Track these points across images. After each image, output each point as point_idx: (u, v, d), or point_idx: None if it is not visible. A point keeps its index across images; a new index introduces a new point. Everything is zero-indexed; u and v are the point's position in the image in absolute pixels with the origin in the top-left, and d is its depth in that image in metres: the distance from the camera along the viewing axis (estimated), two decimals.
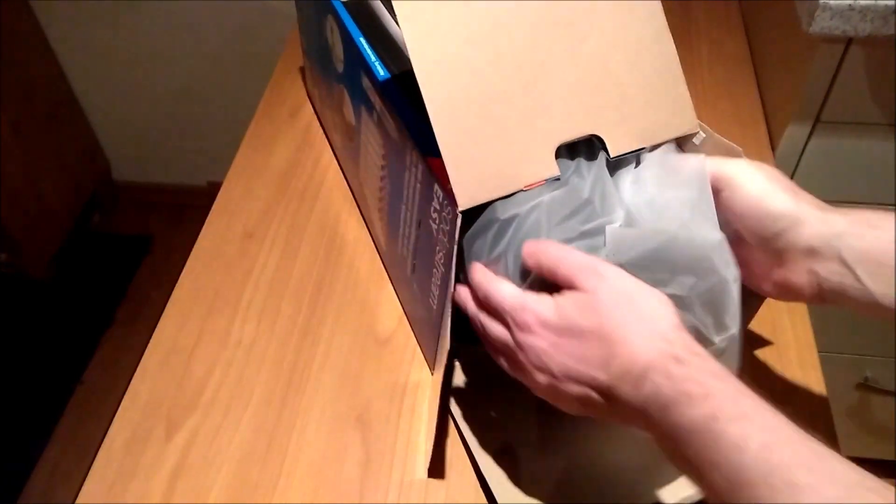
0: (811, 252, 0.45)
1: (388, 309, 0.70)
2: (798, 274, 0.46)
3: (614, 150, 0.52)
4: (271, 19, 1.50)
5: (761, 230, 0.47)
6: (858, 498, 0.29)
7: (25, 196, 1.67)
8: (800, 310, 0.68)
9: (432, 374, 0.64)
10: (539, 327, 0.44)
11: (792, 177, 0.79)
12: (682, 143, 0.56)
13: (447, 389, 0.62)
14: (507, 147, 0.50)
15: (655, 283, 0.44)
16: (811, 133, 0.85)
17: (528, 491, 0.55)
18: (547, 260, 0.45)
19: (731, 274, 0.46)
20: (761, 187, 0.47)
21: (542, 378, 0.44)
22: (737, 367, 0.46)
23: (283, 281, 0.73)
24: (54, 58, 1.70)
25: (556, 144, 0.51)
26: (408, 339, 0.67)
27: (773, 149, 0.86)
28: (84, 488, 0.59)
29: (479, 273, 0.49)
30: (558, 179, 0.50)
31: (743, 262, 0.47)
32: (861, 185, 0.90)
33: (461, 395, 0.62)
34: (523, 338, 0.45)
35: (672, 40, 0.55)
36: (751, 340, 0.65)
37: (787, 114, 0.84)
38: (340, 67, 0.70)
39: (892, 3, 0.71)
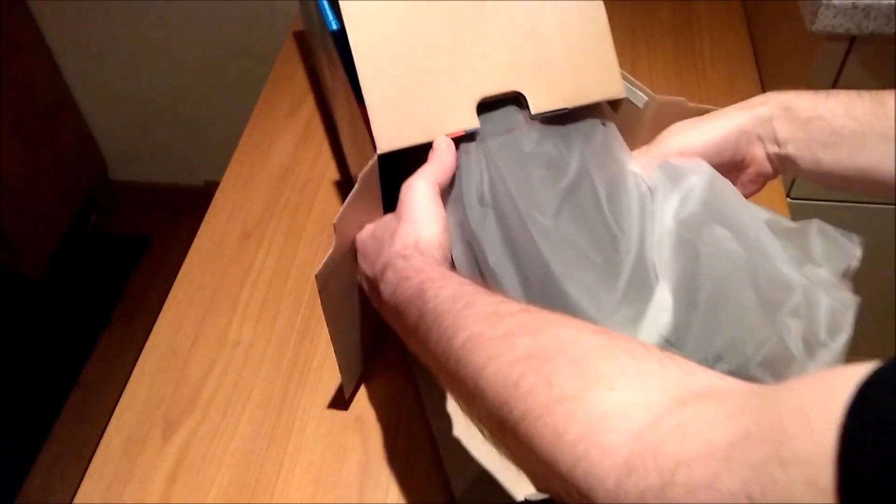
0: (760, 141, 0.53)
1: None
2: (765, 165, 0.54)
3: (536, 108, 0.54)
4: (269, 19, 1.50)
5: (732, 154, 0.54)
6: (510, 303, 0.40)
7: (23, 196, 1.66)
8: None
9: None
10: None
11: None
12: (616, 106, 0.59)
13: None
14: (429, 97, 0.53)
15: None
16: None
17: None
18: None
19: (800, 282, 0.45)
20: (712, 131, 0.53)
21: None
22: None
23: (281, 281, 0.72)
24: (51, 57, 1.69)
25: (478, 98, 0.54)
26: None
27: None
28: (81, 490, 0.59)
29: None
30: (476, 132, 0.53)
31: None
32: None
33: None
34: None
35: (603, 7, 0.57)
36: None
37: None
38: (318, 30, 0.74)
39: (895, 1, 0.71)
